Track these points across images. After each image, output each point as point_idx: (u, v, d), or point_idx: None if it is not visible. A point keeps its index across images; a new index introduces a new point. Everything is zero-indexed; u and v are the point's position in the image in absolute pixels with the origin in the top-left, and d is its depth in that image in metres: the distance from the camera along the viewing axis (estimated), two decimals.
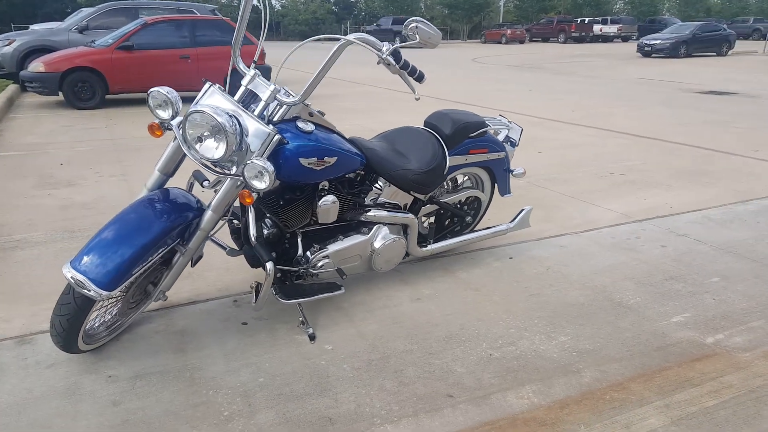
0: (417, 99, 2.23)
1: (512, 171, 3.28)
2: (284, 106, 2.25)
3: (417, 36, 2.07)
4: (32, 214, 4.03)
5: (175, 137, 2.25)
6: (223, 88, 2.20)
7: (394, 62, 2.10)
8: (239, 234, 2.64)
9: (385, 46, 2.10)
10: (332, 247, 2.61)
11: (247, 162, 2.08)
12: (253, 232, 2.28)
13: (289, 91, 2.28)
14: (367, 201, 2.74)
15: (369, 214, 2.69)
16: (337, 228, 2.68)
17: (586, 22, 36.48)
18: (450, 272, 3.15)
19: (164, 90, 2.14)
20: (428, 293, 2.91)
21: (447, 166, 2.86)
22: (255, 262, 2.59)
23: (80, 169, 5.29)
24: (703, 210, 4.28)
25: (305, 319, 2.55)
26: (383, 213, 2.72)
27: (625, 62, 19.93)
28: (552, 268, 3.23)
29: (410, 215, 2.83)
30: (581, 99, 10.49)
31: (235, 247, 2.71)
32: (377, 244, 2.72)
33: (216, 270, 3.13)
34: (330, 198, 2.47)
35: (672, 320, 2.67)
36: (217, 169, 2.16)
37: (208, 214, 2.23)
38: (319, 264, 2.57)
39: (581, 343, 2.48)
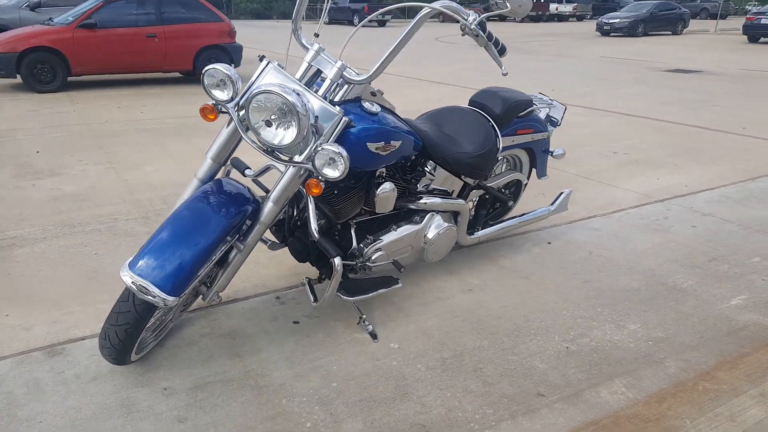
0: (505, 74, 2.07)
1: (552, 152, 3.16)
2: (346, 86, 2.05)
3: (507, 4, 1.89)
4: (21, 208, 3.68)
5: (229, 121, 2.02)
6: (282, 66, 1.98)
7: (482, 33, 1.92)
8: (280, 226, 2.44)
9: (471, 16, 1.92)
10: (386, 238, 2.43)
11: (319, 149, 1.88)
12: (314, 225, 2.08)
13: (352, 69, 2.07)
14: (419, 187, 2.57)
15: (421, 201, 2.52)
16: (388, 218, 2.50)
17: (542, 0, 36.71)
18: (492, 260, 3.02)
19: (222, 67, 1.90)
20: (477, 283, 2.77)
21: (500, 147, 2.71)
22: (302, 256, 2.39)
23: (60, 157, 4.91)
24: (717, 189, 4.27)
25: (363, 316, 2.37)
26: (437, 200, 2.56)
27: (585, 41, 20.10)
28: (594, 252, 3.14)
29: (462, 201, 2.68)
30: (556, 78, 10.48)
31: (275, 239, 2.51)
32: (431, 234, 2.55)
33: (246, 265, 2.91)
34: (388, 186, 2.29)
35: (731, 303, 2.61)
36: (283, 156, 1.95)
37: (268, 206, 2.02)
38: (374, 257, 2.38)
39: (652, 331, 2.38)
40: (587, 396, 1.98)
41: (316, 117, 1.92)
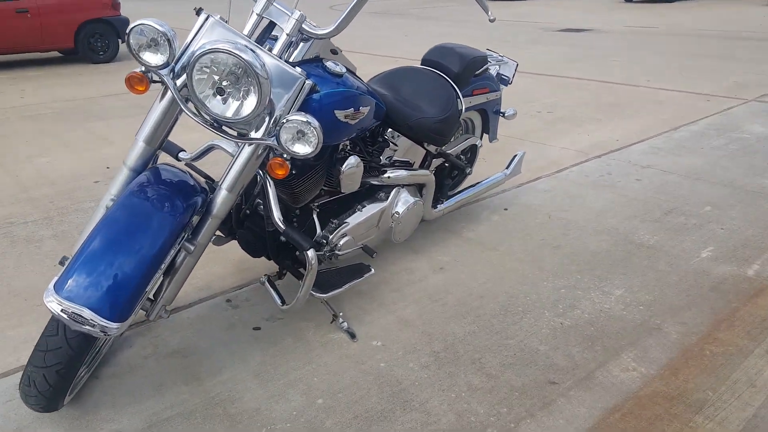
0: (492, 20, 1.80)
1: (503, 113, 2.95)
2: (302, 43, 1.71)
3: None
4: None
5: (164, 92, 1.61)
6: (225, 20, 1.59)
7: None
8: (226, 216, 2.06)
9: None
10: (352, 221, 2.12)
11: (283, 120, 1.53)
12: (278, 214, 1.75)
13: (311, 22, 1.72)
14: (382, 160, 2.27)
15: (386, 176, 2.22)
16: (349, 197, 2.19)
17: None
18: (454, 233, 2.79)
19: (154, 23, 1.48)
20: (447, 260, 2.53)
21: (462, 109, 2.46)
22: (256, 250, 2.05)
23: None
24: (647, 140, 4.28)
25: (339, 313, 2.06)
26: (402, 173, 2.27)
27: (473, 6, 20.30)
28: (553, 215, 2.99)
29: (428, 172, 2.41)
30: (460, 41, 10.39)
31: (220, 233, 2.13)
32: (399, 210, 2.27)
33: None
34: (354, 160, 1.98)
35: (702, 256, 2.55)
36: (234, 132, 1.58)
37: (221, 196, 1.65)
38: (341, 243, 2.08)
39: (638, 294, 2.26)
40: (600, 377, 1.81)
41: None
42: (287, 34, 1.62)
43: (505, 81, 2.93)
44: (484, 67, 2.66)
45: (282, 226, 1.75)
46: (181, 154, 1.90)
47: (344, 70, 1.79)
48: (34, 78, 7.23)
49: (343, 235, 2.08)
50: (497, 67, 2.90)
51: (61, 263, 1.61)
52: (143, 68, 1.57)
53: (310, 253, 1.76)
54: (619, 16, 14.45)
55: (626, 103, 5.45)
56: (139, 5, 19.73)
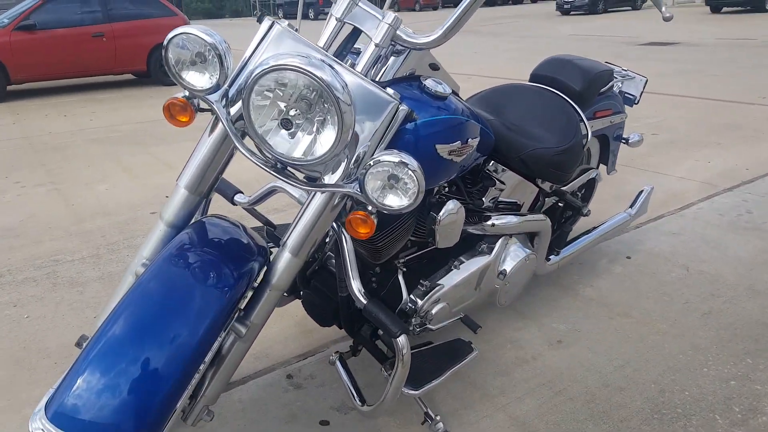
0: (667, 19, 1.31)
1: (626, 139, 2.40)
2: (395, 56, 1.26)
3: None
4: None
5: (214, 123, 1.19)
6: (294, 28, 1.15)
7: None
8: None
9: None
10: (447, 282, 1.62)
11: (370, 161, 1.07)
12: (358, 285, 1.28)
13: (406, 28, 1.25)
14: (485, 202, 1.77)
15: (491, 223, 1.71)
16: (441, 250, 1.69)
17: None
18: (568, 289, 2.25)
19: (200, 31, 1.06)
20: (564, 330, 1.99)
21: (589, 136, 1.94)
22: (325, 316, 1.60)
23: None
24: None
25: (429, 412, 1.56)
26: (512, 219, 1.76)
27: (549, 21, 19.55)
28: (691, 267, 2.40)
29: (544, 217, 1.89)
30: (537, 57, 9.77)
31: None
32: (508, 267, 1.76)
33: None
34: (452, 206, 1.47)
35: None
36: (302, 176, 1.15)
37: (284, 260, 1.20)
38: (435, 311, 1.58)
39: None
40: None
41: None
42: (376, 44, 1.16)
43: (630, 100, 2.38)
44: (610, 83, 2.14)
45: (363, 300, 1.28)
46: (237, 197, 1.48)
47: (449, 90, 1.31)
48: (105, 101, 7.17)
49: (436, 301, 1.59)
50: (620, 83, 2.36)
51: (79, 345, 1.21)
52: (186, 93, 1.15)
53: (402, 340, 1.27)
54: (706, 28, 13.43)
55: (744, 124, 4.72)
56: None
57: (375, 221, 1.14)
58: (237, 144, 1.10)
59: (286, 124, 1.06)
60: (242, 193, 1.49)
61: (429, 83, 1.29)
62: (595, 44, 11.53)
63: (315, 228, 1.19)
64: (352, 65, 1.15)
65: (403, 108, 1.14)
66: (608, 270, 2.39)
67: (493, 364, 1.81)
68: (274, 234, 1.62)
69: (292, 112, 1.05)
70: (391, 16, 1.15)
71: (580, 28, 15.77)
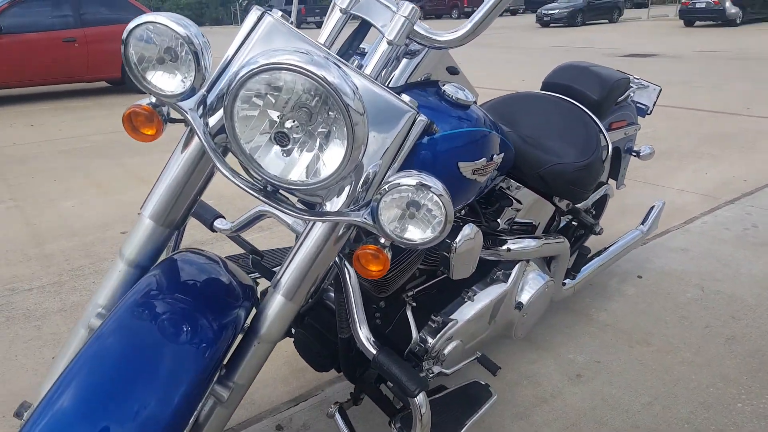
0: None
1: (637, 152, 2.25)
2: (408, 57, 1.07)
3: None
4: None
5: (187, 138, 0.99)
6: (290, 20, 0.95)
7: None
8: None
9: None
10: (461, 316, 1.44)
11: (385, 185, 0.88)
12: (365, 332, 1.09)
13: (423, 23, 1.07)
14: (500, 224, 1.59)
15: (506, 247, 1.53)
16: (453, 281, 1.50)
17: None
18: (580, 314, 2.07)
19: (169, 20, 0.86)
20: (583, 361, 1.81)
21: (610, 149, 1.77)
22: (321, 361, 1.40)
23: None
24: None
25: None
26: (530, 243, 1.58)
27: (530, 33, 19.63)
28: (705, 287, 2.25)
29: (563, 239, 1.71)
30: (519, 68, 9.72)
31: None
32: (526, 296, 1.58)
33: None
34: (469, 230, 1.28)
35: None
36: (300, 197, 0.95)
37: (277, 304, 1.00)
38: (448, 350, 1.39)
39: None
40: None
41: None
42: (389, 42, 0.97)
43: (642, 111, 2.24)
44: (627, 92, 1.98)
45: (372, 350, 1.08)
46: (217, 223, 1.27)
47: (472, 98, 1.13)
48: (76, 109, 6.87)
49: (449, 339, 1.40)
50: (633, 93, 2.21)
51: (18, 415, 0.99)
52: (153, 99, 0.94)
53: (421, 398, 1.08)
54: (683, 40, 13.59)
55: (735, 134, 4.65)
56: None
57: (389, 256, 0.95)
58: (217, 163, 0.89)
59: (280, 138, 0.86)
60: (223, 218, 1.29)
61: (449, 89, 1.11)
62: (575, 55, 11.53)
63: (314, 265, 0.99)
64: (360, 67, 0.96)
65: (422, 118, 0.95)
66: (620, 291, 2.23)
67: (510, 405, 1.62)
68: (261, 264, 1.41)
69: (287, 124, 0.85)
70: (408, 5, 0.96)
71: (562, 39, 15.83)
